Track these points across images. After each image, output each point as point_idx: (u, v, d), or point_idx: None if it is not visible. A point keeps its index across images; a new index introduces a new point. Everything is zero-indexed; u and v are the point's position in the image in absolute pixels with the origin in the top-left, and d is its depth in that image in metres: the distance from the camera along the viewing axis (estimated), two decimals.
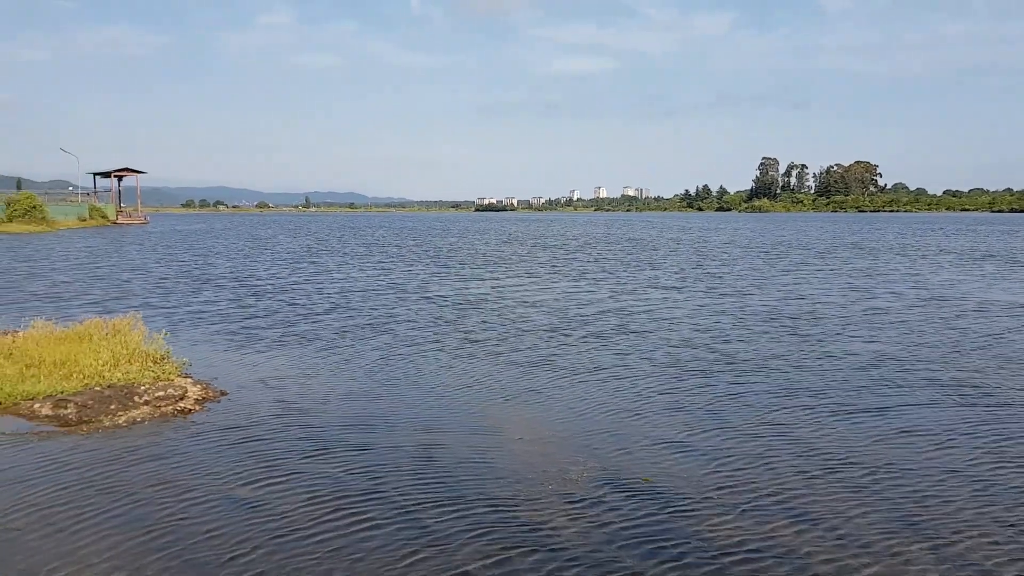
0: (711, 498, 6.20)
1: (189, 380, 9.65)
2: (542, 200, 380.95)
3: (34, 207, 62.24)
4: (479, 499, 6.15)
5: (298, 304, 17.92)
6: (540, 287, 22.34)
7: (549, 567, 5.06)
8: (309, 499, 6.14)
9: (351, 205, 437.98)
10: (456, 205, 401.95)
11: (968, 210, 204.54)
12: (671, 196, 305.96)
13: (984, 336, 13.60)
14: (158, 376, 9.56)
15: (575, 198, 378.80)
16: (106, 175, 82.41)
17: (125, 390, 8.93)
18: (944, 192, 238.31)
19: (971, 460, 7.11)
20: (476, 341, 13.13)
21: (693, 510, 5.96)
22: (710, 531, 5.59)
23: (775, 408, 8.85)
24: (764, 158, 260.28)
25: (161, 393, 8.92)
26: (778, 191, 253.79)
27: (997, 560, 5.17)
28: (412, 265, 30.55)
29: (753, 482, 6.54)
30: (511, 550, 5.28)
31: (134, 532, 5.51)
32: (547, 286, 22.61)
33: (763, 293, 20.49)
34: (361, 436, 7.77)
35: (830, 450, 7.37)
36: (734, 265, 30.53)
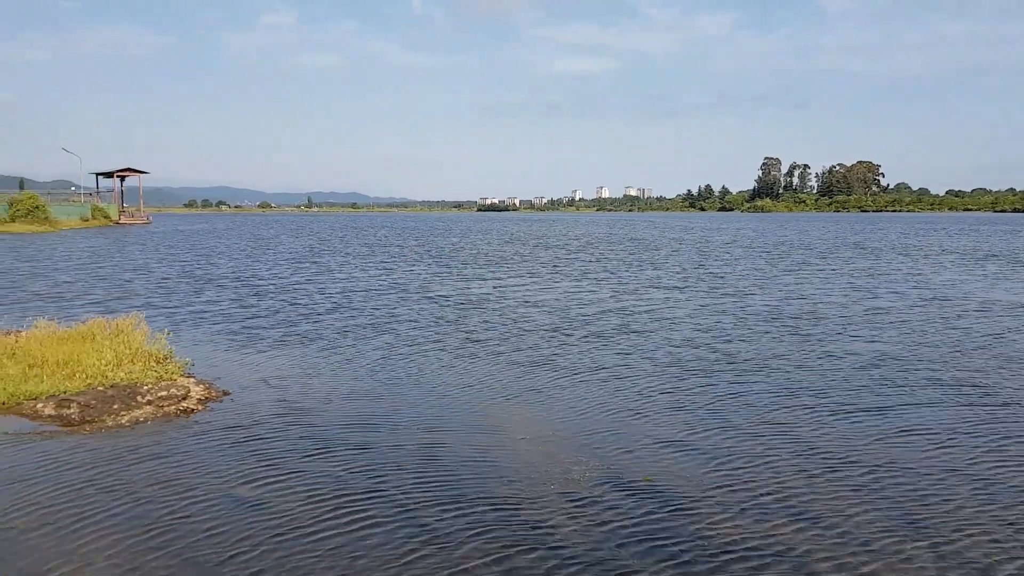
0: (712, 497, 6.21)
1: (192, 380, 9.67)
2: (544, 200, 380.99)
3: (37, 207, 62.33)
4: (481, 498, 6.17)
5: (300, 304, 17.95)
6: (542, 287, 22.35)
7: (551, 566, 5.07)
8: (311, 498, 6.15)
9: (353, 205, 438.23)
10: (458, 205, 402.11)
11: (971, 210, 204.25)
12: (673, 196, 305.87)
13: (985, 336, 13.60)
14: (161, 376, 9.59)
15: (577, 198, 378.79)
16: (109, 175, 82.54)
17: (128, 390, 8.95)
18: (947, 192, 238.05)
19: (971, 459, 7.11)
20: (478, 341, 13.15)
21: (694, 509, 5.97)
22: (711, 530, 5.60)
23: (776, 407, 8.86)
24: (766, 158, 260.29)
25: (164, 393, 8.95)
26: (780, 191, 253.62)
27: (997, 558, 5.17)
28: (414, 265, 30.58)
29: (754, 481, 6.55)
30: (513, 548, 5.29)
31: (136, 531, 5.53)
32: (549, 286, 22.63)
33: (765, 293, 20.49)
34: (363, 435, 7.79)
35: (831, 449, 7.38)
36: (736, 265, 30.53)
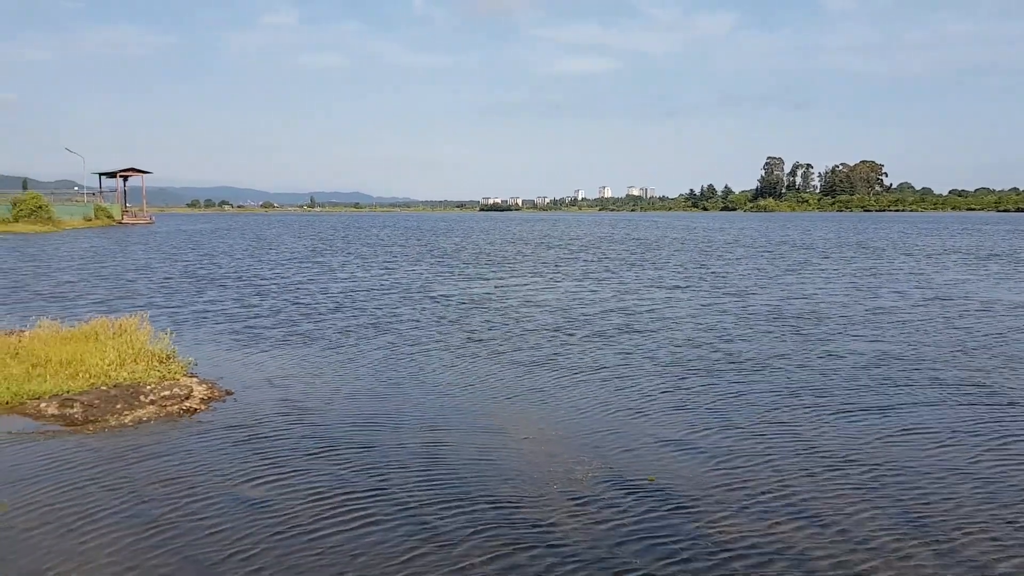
0: (715, 497, 6.21)
1: (195, 379, 9.70)
2: (547, 200, 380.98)
3: (40, 207, 62.49)
4: (484, 498, 6.18)
5: (303, 304, 17.98)
6: (544, 286, 22.37)
7: (554, 565, 5.08)
8: (313, 497, 6.17)
9: (356, 205, 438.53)
10: (460, 205, 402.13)
11: (974, 209, 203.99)
12: (676, 196, 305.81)
13: (987, 335, 13.59)
14: (164, 376, 9.61)
15: (579, 198, 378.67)
16: (112, 175, 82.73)
17: (131, 389, 8.98)
18: (950, 192, 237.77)
19: (974, 459, 7.11)
20: (480, 340, 13.16)
21: (697, 509, 5.98)
22: (714, 529, 5.61)
23: (778, 407, 8.86)
24: (769, 158, 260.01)
25: (167, 392, 8.97)
26: (783, 191, 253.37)
27: (999, 557, 5.18)
28: (416, 265, 30.60)
29: (756, 480, 6.56)
30: (515, 547, 5.30)
31: (139, 529, 5.55)
32: (551, 285, 22.64)
33: (767, 292, 20.49)
34: (365, 435, 7.81)
35: (833, 449, 7.38)
36: (738, 264, 30.52)
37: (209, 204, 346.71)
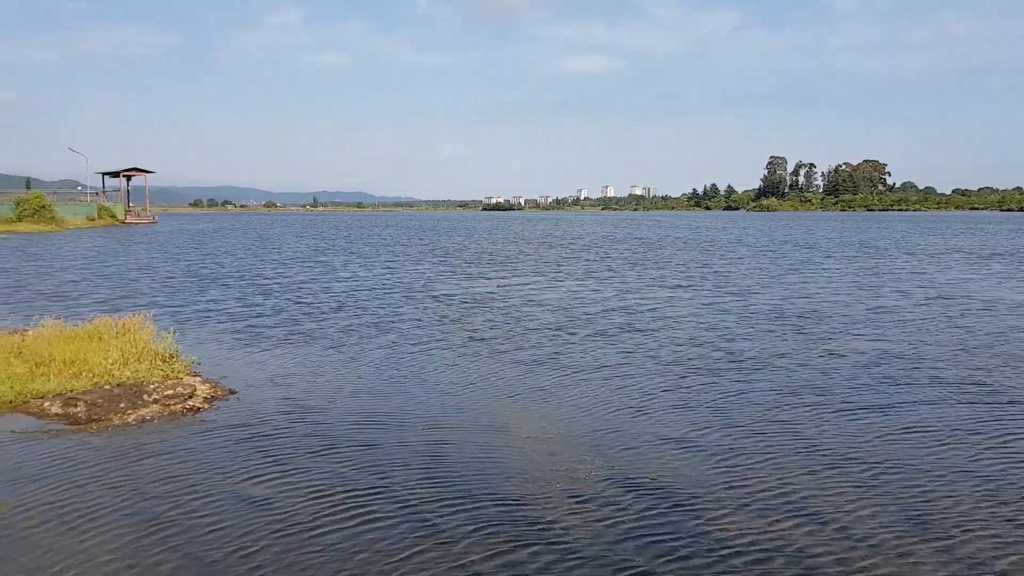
0: (716, 494, 6.23)
1: (198, 379, 9.73)
2: (549, 199, 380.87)
3: (43, 207, 62.59)
4: (486, 496, 6.20)
5: (305, 303, 18.01)
6: (546, 286, 22.38)
7: (554, 563, 5.10)
8: (316, 495, 6.19)
9: (359, 204, 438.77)
10: (463, 204, 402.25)
11: (977, 209, 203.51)
12: (679, 195, 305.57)
13: (989, 334, 13.57)
14: (167, 375, 9.64)
15: (582, 197, 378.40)
16: (115, 175, 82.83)
17: (134, 389, 9.01)
18: (953, 191, 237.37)
19: (976, 458, 7.11)
20: (482, 340, 13.18)
21: (698, 506, 6.00)
22: (716, 528, 5.62)
23: (781, 406, 8.87)
24: (772, 157, 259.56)
25: (170, 391, 9.00)
26: (786, 190, 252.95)
27: (1001, 556, 5.18)
28: (418, 264, 30.63)
29: (759, 479, 6.57)
30: (516, 545, 5.32)
31: (141, 527, 5.57)
32: (553, 285, 22.64)
33: (769, 291, 20.48)
34: (368, 433, 7.83)
35: (835, 447, 7.39)
36: (740, 264, 30.50)
37: (212, 204, 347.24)
